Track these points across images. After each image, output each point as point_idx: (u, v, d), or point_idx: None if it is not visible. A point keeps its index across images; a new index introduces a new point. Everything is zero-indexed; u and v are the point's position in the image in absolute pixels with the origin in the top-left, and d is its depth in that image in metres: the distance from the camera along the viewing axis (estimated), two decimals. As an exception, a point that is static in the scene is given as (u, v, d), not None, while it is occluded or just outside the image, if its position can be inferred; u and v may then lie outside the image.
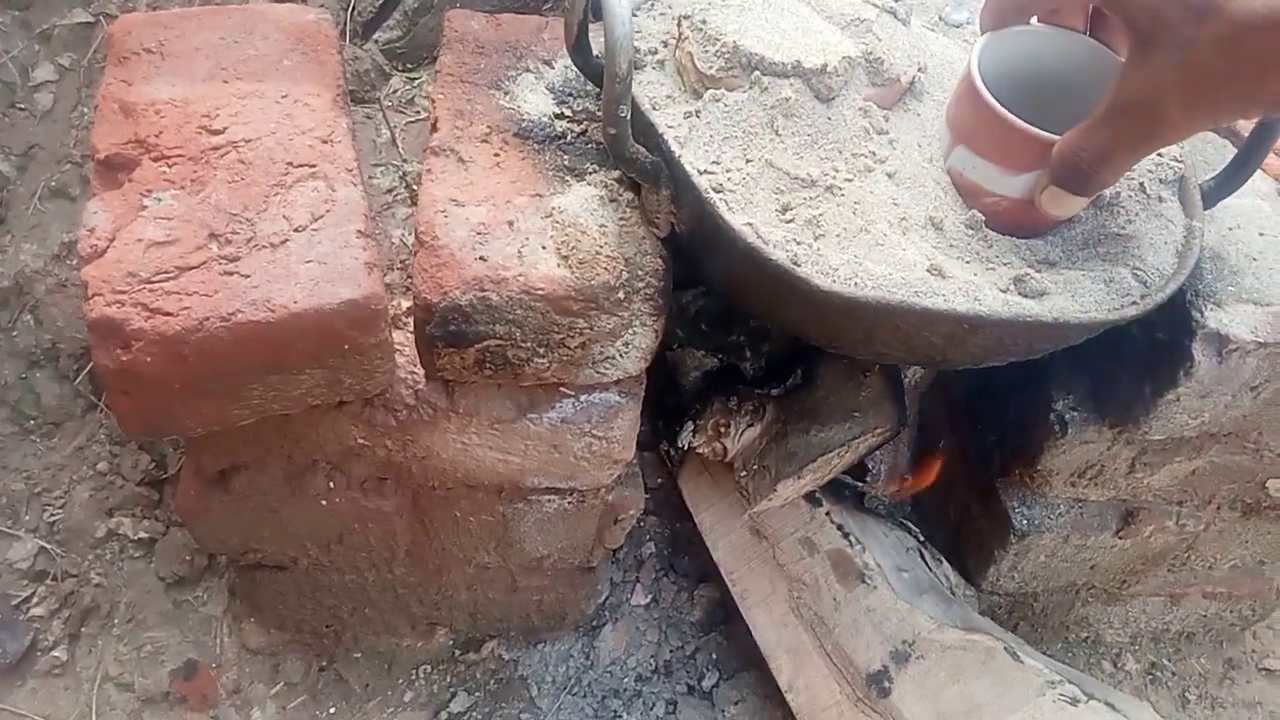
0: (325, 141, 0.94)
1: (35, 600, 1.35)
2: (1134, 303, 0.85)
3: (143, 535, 1.39)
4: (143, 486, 1.41)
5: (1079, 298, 0.84)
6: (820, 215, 0.83)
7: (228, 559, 1.34)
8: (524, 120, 1.00)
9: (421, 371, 0.98)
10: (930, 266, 0.82)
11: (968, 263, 0.87)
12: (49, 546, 1.37)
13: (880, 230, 0.84)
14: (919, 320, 0.80)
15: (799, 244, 0.81)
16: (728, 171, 0.85)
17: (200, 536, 1.17)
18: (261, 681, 1.37)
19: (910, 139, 0.94)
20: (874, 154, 0.89)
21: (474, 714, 1.38)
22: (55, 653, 1.33)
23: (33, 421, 1.40)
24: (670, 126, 0.88)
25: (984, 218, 0.88)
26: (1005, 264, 0.88)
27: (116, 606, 1.37)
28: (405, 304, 1.04)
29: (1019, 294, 0.84)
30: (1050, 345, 0.88)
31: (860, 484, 1.33)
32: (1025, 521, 1.23)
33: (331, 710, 1.37)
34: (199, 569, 1.40)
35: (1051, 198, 0.83)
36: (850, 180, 0.86)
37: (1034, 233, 0.90)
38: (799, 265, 0.79)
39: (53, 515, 1.38)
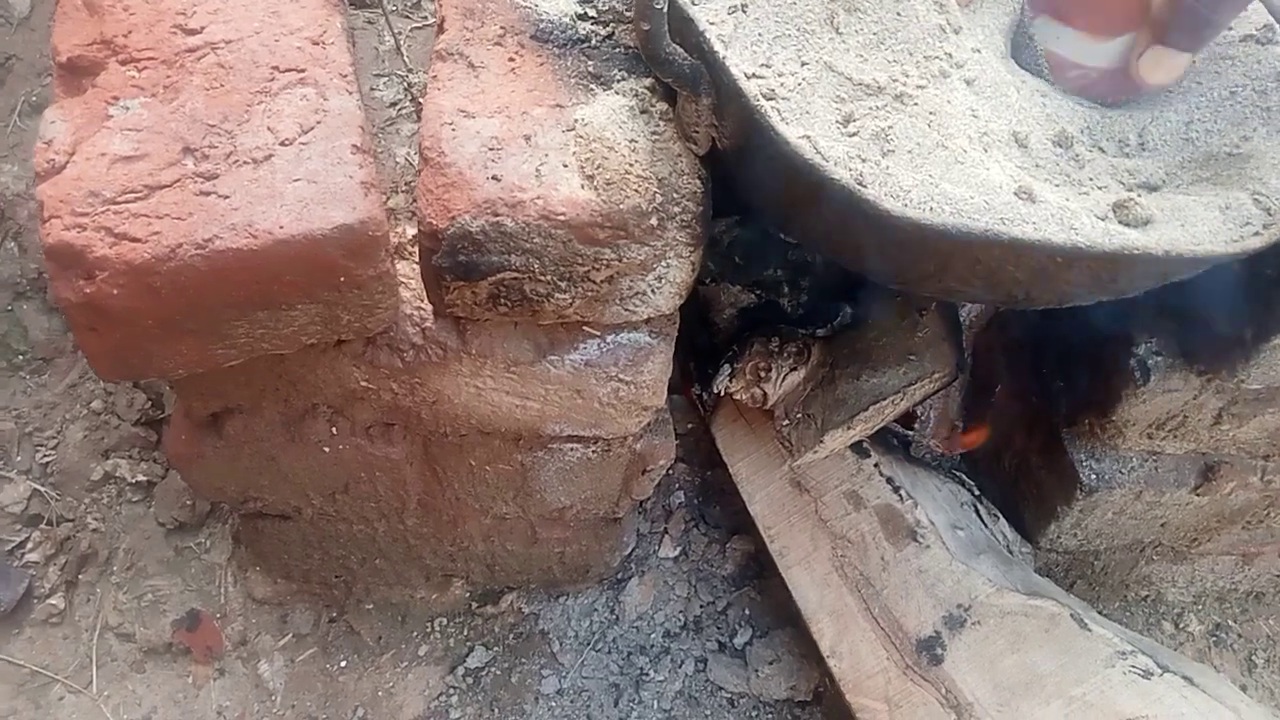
0: (316, 43, 0.83)
1: (30, 546, 1.28)
2: (1256, 233, 0.73)
3: (140, 478, 1.31)
4: (139, 426, 1.32)
5: (1190, 227, 0.72)
6: (889, 128, 0.71)
7: (228, 506, 1.26)
8: (542, 21, 0.88)
9: (429, 307, 0.88)
10: (1018, 189, 0.70)
11: (1057, 185, 0.75)
12: (42, 489, 1.30)
13: (959, 146, 0.72)
14: (1005, 252, 0.68)
15: (864, 161, 0.69)
16: (780, 75, 0.73)
17: (195, 484, 1.09)
18: (269, 633, 1.30)
19: (990, 40, 0.81)
20: (950, 56, 0.76)
21: (492, 669, 1.30)
22: (52, 600, 1.26)
23: (21, 357, 1.32)
24: (712, 23, 0.76)
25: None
26: (1100, 187, 0.76)
27: (115, 553, 1.30)
28: (411, 231, 0.93)
29: (1119, 222, 0.72)
30: (1152, 282, 0.77)
31: (909, 432, 1.23)
32: (1094, 476, 1.12)
33: (343, 663, 1.30)
34: (201, 514, 1.32)
35: (1154, 60, 0.75)
36: (923, 87, 0.74)
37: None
38: (865, 186, 0.68)
39: (45, 456, 1.31)
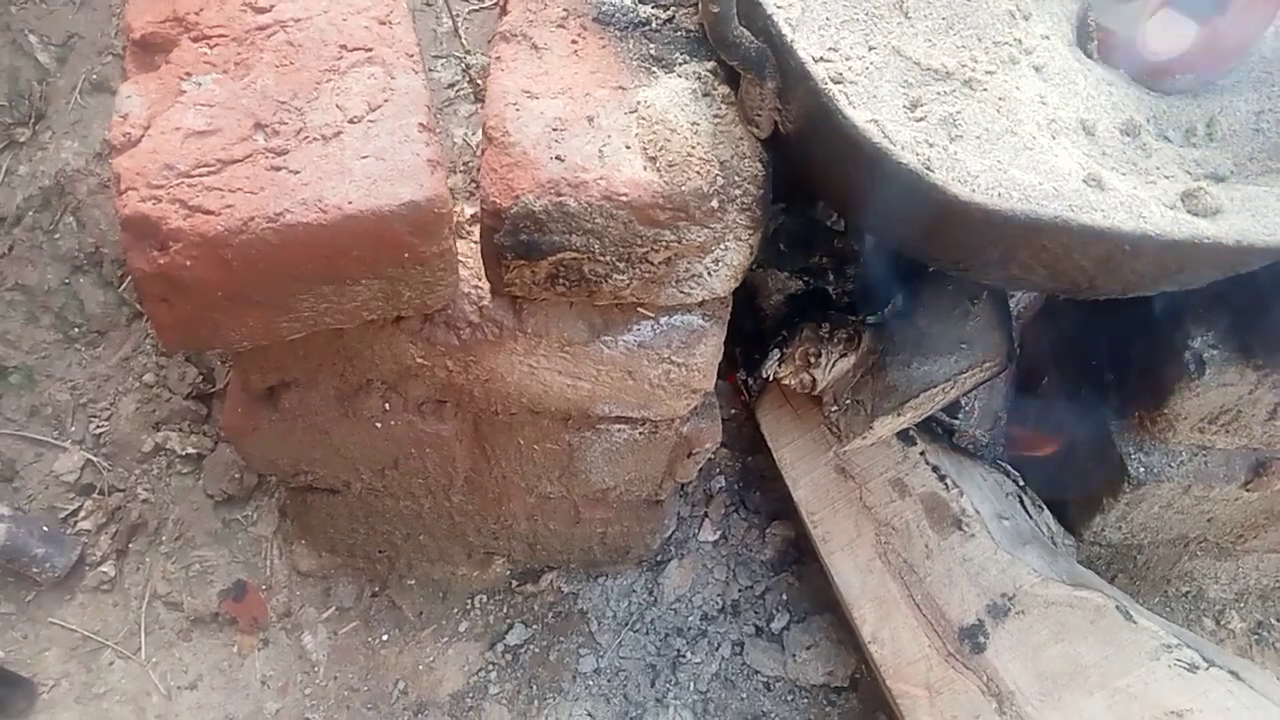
0: (383, 23, 0.84)
1: (83, 514, 1.30)
2: (1328, 225, 0.72)
3: (190, 451, 1.33)
4: (190, 400, 1.35)
5: (1262, 217, 0.71)
6: (957, 113, 0.71)
7: (278, 479, 1.28)
8: (604, 4, 0.89)
9: (487, 286, 0.89)
10: (1087, 176, 0.70)
11: (1124, 174, 0.75)
12: (95, 459, 1.32)
13: (1027, 132, 0.71)
14: (1073, 239, 0.68)
15: (932, 146, 0.69)
16: (847, 60, 0.73)
17: (248, 456, 1.11)
18: (312, 605, 1.32)
19: (1058, 27, 0.80)
20: (1020, 43, 0.76)
21: (531, 647, 1.32)
22: (103, 568, 1.29)
23: (77, 329, 1.34)
24: (780, 7, 0.76)
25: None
26: (1168, 176, 0.76)
27: (164, 523, 1.32)
28: (469, 210, 0.94)
29: (1188, 212, 0.71)
30: (1218, 273, 0.76)
31: (954, 420, 1.22)
32: (1142, 469, 1.11)
33: (384, 637, 1.32)
34: (248, 487, 1.34)
35: (1161, 25, 0.73)
36: (992, 73, 0.74)
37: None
38: (932, 170, 0.68)
39: (99, 427, 1.33)
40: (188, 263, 0.72)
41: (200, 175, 0.73)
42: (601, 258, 0.82)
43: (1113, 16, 0.80)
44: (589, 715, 1.27)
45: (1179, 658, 1.00)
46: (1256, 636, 1.40)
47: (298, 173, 0.74)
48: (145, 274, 0.73)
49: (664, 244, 0.81)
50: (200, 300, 0.76)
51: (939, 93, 0.72)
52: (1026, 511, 1.16)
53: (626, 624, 1.33)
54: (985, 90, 0.72)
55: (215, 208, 0.72)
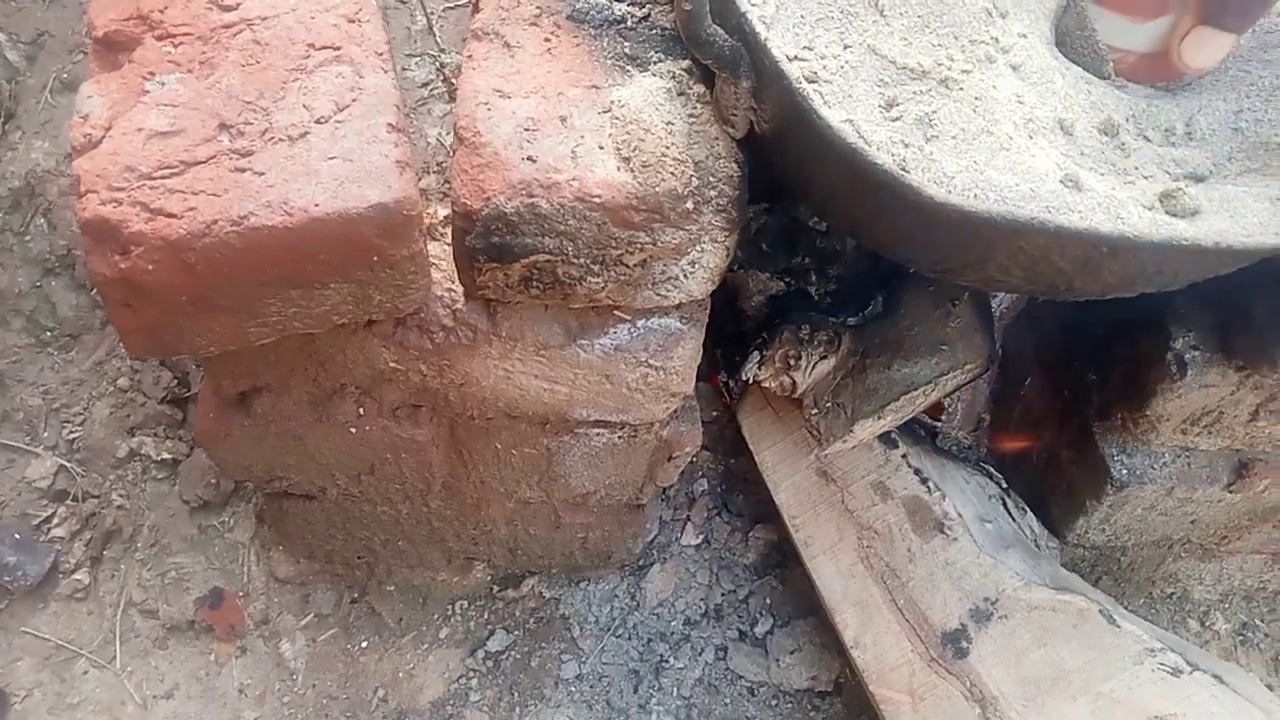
0: (352, 21, 0.82)
1: (56, 521, 1.28)
2: (1308, 225, 0.71)
3: (165, 456, 1.32)
4: (165, 405, 1.33)
5: (1240, 218, 0.71)
6: (933, 113, 0.70)
7: (254, 485, 1.26)
8: (578, 2, 0.87)
9: (460, 289, 0.88)
10: (1064, 177, 0.69)
11: (1102, 174, 0.74)
12: (69, 465, 1.30)
13: (1004, 132, 0.70)
14: (1051, 241, 0.67)
15: (907, 146, 0.68)
16: (822, 59, 0.72)
17: (222, 462, 1.09)
18: (290, 612, 1.30)
19: (1036, 25, 0.79)
20: (996, 41, 0.75)
21: (513, 653, 1.30)
22: (77, 576, 1.27)
23: (49, 333, 1.32)
24: (754, 5, 0.75)
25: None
26: (1146, 177, 0.75)
27: (139, 530, 1.31)
28: (442, 212, 0.93)
29: (1167, 213, 0.71)
30: (1198, 274, 0.75)
31: (937, 423, 1.21)
32: (1125, 471, 1.10)
33: (364, 644, 1.30)
34: (225, 493, 1.33)
35: (1198, 42, 0.72)
36: (968, 72, 0.73)
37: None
38: (908, 171, 0.66)
39: (72, 433, 1.31)
40: (150, 267, 0.71)
41: (162, 177, 0.71)
42: (575, 260, 0.80)
43: (1123, 35, 0.78)
44: (570, 722, 1.26)
45: (1162, 662, 0.99)
46: (1241, 637, 1.39)
47: (263, 174, 0.73)
48: (107, 279, 0.72)
49: (638, 246, 0.80)
50: (164, 305, 0.74)
51: (915, 92, 0.71)
52: (1009, 514, 1.15)
53: (609, 629, 1.32)
54: (962, 89, 0.71)
55: (178, 210, 0.70)
